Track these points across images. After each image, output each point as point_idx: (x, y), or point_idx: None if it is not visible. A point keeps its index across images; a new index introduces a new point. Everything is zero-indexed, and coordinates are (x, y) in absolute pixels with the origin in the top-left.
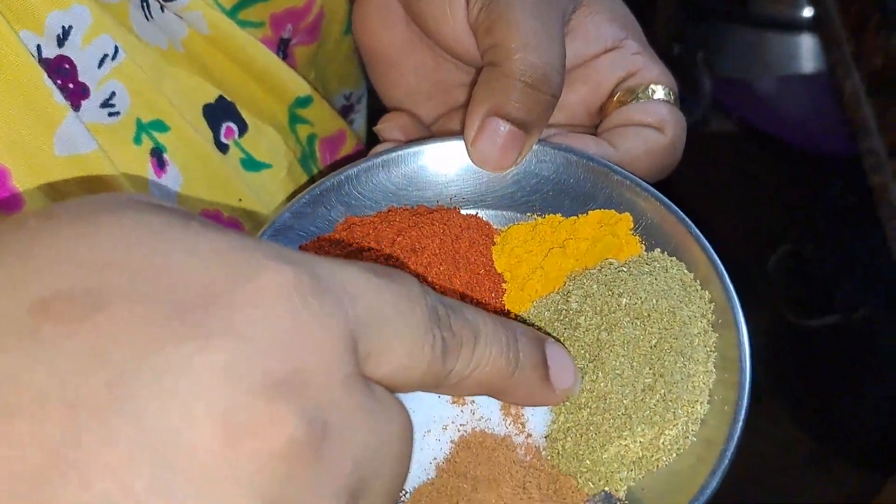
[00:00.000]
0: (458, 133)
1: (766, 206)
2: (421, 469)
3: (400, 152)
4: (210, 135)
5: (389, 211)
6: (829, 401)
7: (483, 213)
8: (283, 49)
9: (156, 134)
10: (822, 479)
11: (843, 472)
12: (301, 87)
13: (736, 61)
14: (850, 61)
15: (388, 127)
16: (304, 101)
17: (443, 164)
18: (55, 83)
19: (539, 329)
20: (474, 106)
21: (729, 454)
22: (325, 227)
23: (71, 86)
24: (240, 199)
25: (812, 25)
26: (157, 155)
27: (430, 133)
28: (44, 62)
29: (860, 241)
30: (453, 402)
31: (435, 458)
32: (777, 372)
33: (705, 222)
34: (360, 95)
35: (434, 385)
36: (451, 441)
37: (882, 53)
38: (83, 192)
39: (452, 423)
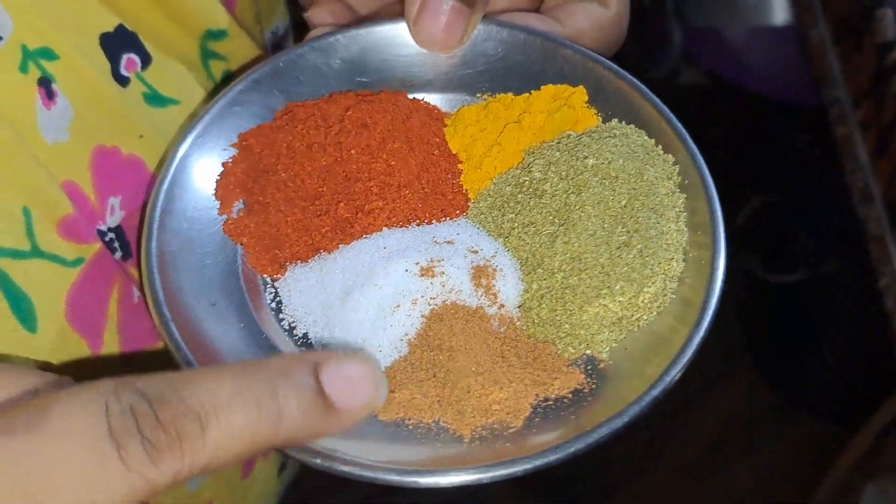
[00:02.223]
0: (399, 16)
1: (737, 159)
2: (392, 347)
3: (338, 36)
4: (107, 66)
5: (332, 95)
6: (793, 355)
7: (430, 98)
8: None
9: (44, 62)
10: (783, 430)
11: (803, 423)
12: (216, 19)
13: (706, 11)
14: (818, 8)
15: (318, 12)
16: (217, 35)
17: (384, 48)
18: None
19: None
20: None
21: (710, 310)
22: (265, 116)
23: None
24: (141, 136)
25: None
26: (46, 85)
27: (362, 21)
28: None
29: (826, 195)
30: (422, 275)
31: (406, 335)
32: (744, 326)
33: None
34: (287, 29)
35: (171, 487)
36: (422, 315)
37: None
38: None
39: (422, 296)
